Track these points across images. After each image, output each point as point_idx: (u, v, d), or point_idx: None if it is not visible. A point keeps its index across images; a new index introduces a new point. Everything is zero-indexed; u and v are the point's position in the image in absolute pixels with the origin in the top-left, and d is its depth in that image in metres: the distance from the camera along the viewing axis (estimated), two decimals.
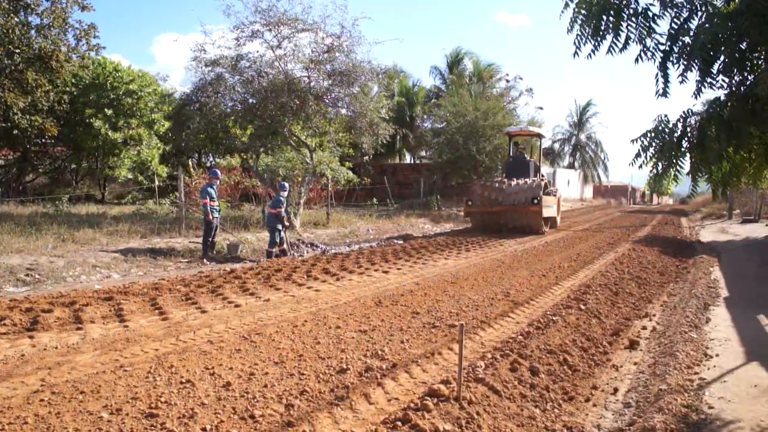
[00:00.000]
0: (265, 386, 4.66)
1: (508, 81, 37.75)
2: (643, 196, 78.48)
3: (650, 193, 78.68)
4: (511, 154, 22.13)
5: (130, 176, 25.56)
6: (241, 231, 15.97)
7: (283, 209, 12.73)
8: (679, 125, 4.24)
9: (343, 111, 18.18)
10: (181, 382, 4.71)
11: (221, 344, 5.77)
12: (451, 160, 27.20)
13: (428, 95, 40.57)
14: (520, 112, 34.09)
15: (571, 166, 55.88)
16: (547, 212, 18.88)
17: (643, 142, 4.29)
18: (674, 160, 4.29)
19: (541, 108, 47.64)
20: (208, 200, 12.59)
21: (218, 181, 13.62)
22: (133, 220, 16.26)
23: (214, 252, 12.86)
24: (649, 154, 4.42)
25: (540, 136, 23.31)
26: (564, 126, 60.18)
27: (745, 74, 3.76)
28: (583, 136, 58.99)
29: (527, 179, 19.12)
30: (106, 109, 23.35)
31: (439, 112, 29.86)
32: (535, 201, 17.91)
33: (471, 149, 26.09)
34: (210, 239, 12.64)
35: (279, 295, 8.29)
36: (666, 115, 4.41)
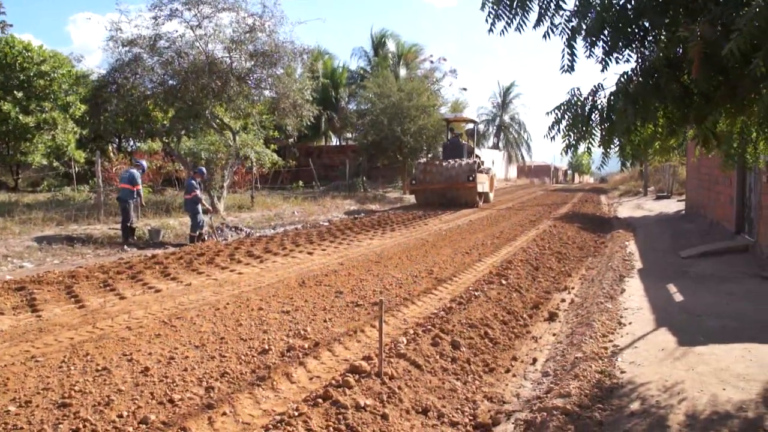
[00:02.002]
0: (185, 370, 4.53)
1: (432, 62, 37.99)
2: (565, 175, 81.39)
3: (571, 172, 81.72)
4: (448, 138, 24.37)
5: (45, 162, 23.96)
6: (163, 216, 15.41)
7: (197, 192, 12.44)
8: (590, 99, 4.38)
9: (267, 92, 17.84)
10: (97, 370, 4.51)
11: (140, 330, 5.55)
12: (376, 142, 27.23)
13: (353, 77, 40.26)
14: (443, 93, 34.49)
15: (495, 146, 56.82)
16: (481, 188, 21.33)
17: (556, 114, 4.41)
18: (585, 133, 4.43)
19: (464, 89, 48.31)
20: (140, 186, 12.40)
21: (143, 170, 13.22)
22: (49, 207, 15.35)
23: (135, 238, 12.36)
24: (562, 126, 4.54)
25: (474, 122, 26.37)
26: (488, 107, 61.17)
27: (647, 50, 3.91)
28: (506, 117, 60.08)
29: (463, 160, 21.21)
30: (15, 92, 21.74)
31: (363, 93, 29.71)
32: (471, 179, 20.27)
33: (396, 130, 26.18)
34: (129, 224, 12.14)
35: (201, 279, 8.10)
36: (578, 89, 4.54)
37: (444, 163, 21.17)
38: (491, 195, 24.63)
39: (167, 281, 7.93)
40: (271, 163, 20.17)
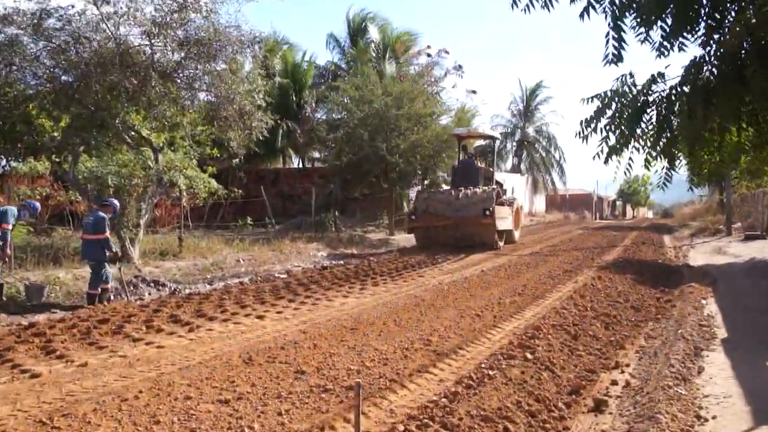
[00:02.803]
0: None
1: (429, 56, 38.49)
2: (613, 207, 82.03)
3: (622, 203, 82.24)
4: (459, 159, 24.95)
5: None
6: (49, 267, 15.15)
7: (108, 233, 12.32)
8: (645, 91, 4.32)
9: (202, 95, 17.95)
10: None
11: None
12: (353, 164, 27.30)
13: (323, 75, 40.69)
14: (446, 97, 34.76)
15: (515, 169, 57.06)
16: (502, 224, 21.78)
17: (598, 105, 4.36)
18: (632, 134, 4.38)
19: (473, 92, 48.40)
20: (7, 225, 12.13)
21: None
22: None
23: (4, 298, 12.11)
24: (601, 123, 4.48)
25: (494, 138, 26.89)
26: (505, 116, 61.46)
27: (724, 33, 3.91)
28: (531, 129, 60.45)
29: (478, 188, 21.84)
30: None
31: (336, 97, 29.88)
32: (488, 212, 20.67)
33: (380, 148, 26.24)
34: None
35: (103, 356, 7.92)
36: (631, 74, 4.50)
37: (453, 192, 21.75)
38: (516, 233, 25.20)
39: (51, 361, 7.72)
40: (207, 193, 20.05)
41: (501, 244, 22.24)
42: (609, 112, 4.32)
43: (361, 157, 26.89)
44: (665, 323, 10.14)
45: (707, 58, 3.89)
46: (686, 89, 3.94)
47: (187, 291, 13.67)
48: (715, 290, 13.22)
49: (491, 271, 16.13)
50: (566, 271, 16.19)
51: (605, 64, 4.02)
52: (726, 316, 10.46)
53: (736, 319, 10.19)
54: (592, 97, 4.48)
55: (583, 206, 69.55)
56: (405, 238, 27.08)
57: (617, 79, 4.45)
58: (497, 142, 28.36)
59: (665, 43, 3.93)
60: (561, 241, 27.29)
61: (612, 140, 4.33)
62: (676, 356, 7.75)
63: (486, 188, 21.83)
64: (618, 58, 4.14)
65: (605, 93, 4.35)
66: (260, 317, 10.31)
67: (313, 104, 39.58)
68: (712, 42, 3.95)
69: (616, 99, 4.28)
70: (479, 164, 23.99)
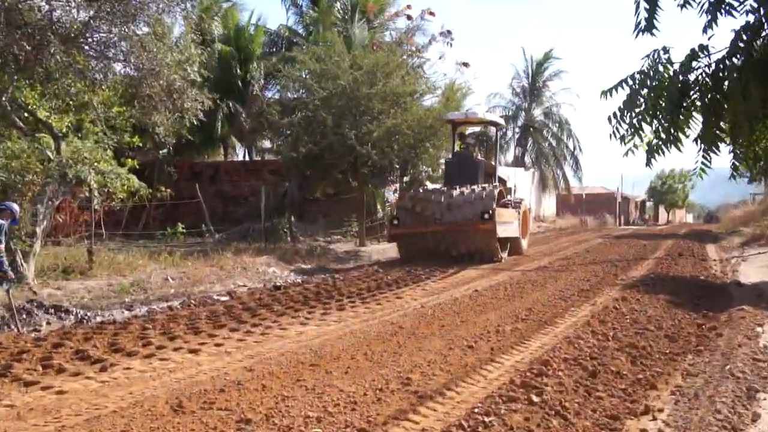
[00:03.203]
0: None
1: (410, 18, 38.36)
2: (641, 210, 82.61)
3: (653, 204, 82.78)
4: (453, 151, 25.88)
5: None
6: None
7: (2, 245, 12.21)
8: (683, 70, 4.31)
9: (119, 67, 17.94)
10: None
11: None
12: (314, 156, 27.06)
13: (275, 42, 40.84)
14: (430, 71, 34.57)
15: (518, 162, 57.27)
16: (504, 231, 22.42)
17: (628, 94, 4.40)
18: (675, 128, 4.43)
19: (465, 64, 48.27)
20: None
21: None
22: None
23: None
24: (633, 115, 4.51)
25: (497, 125, 27.38)
26: (505, 96, 61.87)
27: None
28: (538, 112, 60.90)
29: (476, 186, 22.53)
30: None
31: (292, 71, 29.82)
32: (487, 216, 21.16)
33: (347, 135, 26.03)
34: None
35: None
36: (666, 49, 4.51)
37: (446, 191, 22.56)
38: (524, 242, 26.03)
39: None
40: (127, 193, 19.91)
41: (504, 255, 22.77)
42: (639, 103, 4.26)
43: (324, 147, 26.62)
44: (709, 357, 10.08)
45: (764, 22, 3.84)
46: (737, 62, 3.87)
47: (99, 319, 13.55)
48: None
49: (487, 291, 16.20)
50: (582, 290, 16.24)
51: (636, 35, 4.00)
52: None
53: None
54: (615, 87, 4.39)
55: (603, 209, 70.10)
56: (379, 250, 27.27)
57: (647, 56, 4.40)
58: (501, 130, 28.51)
59: (715, 6, 3.90)
60: (576, 252, 27.49)
61: (648, 134, 4.27)
62: (724, 399, 7.71)
63: (486, 186, 22.31)
64: (651, 27, 4.10)
65: (634, 76, 4.29)
66: (194, 351, 10.20)
67: (263, 80, 39.41)
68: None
69: (649, 82, 4.22)
70: (479, 158, 24.67)
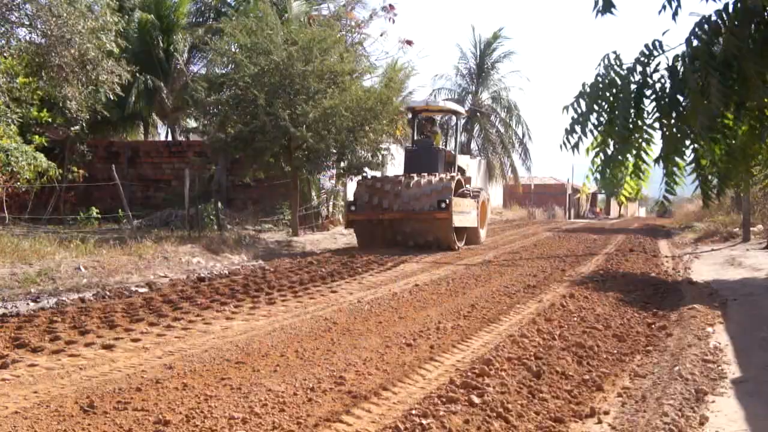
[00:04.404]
0: None
1: None
2: (593, 202, 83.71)
3: (605, 197, 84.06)
4: (413, 139, 27.63)
5: None
6: None
7: None
8: (638, 69, 4.24)
9: (23, 33, 17.58)
10: None
11: None
12: (243, 137, 26.59)
13: (201, 11, 40.31)
14: (372, 48, 34.66)
15: (464, 148, 57.19)
16: (461, 221, 23.51)
17: (577, 107, 4.27)
18: (634, 134, 4.31)
19: (409, 42, 48.64)
20: None
21: None
22: None
23: None
24: (589, 127, 4.45)
25: (457, 113, 29.20)
26: (451, 77, 61.95)
27: None
28: (485, 96, 61.22)
29: (434, 176, 23.77)
30: None
31: (221, 44, 29.26)
32: (443, 206, 22.29)
33: (281, 116, 25.50)
34: None
35: None
36: (615, 54, 4.35)
37: (404, 180, 23.72)
38: (482, 232, 27.67)
39: None
40: (33, 173, 19.36)
41: (461, 244, 23.97)
42: (595, 113, 4.02)
43: (255, 128, 26.04)
44: (658, 357, 10.06)
45: (724, 15, 3.58)
46: (691, 61, 3.63)
47: (0, 311, 13.02)
48: (725, 315, 13.27)
49: (428, 286, 16.13)
50: (528, 286, 16.22)
51: (596, 14, 3.81)
52: (739, 350, 10.44)
53: (752, 354, 10.19)
54: (576, 101, 4.16)
55: (553, 200, 71.11)
56: (313, 240, 27.73)
57: (601, 61, 4.17)
58: (462, 119, 29.77)
59: None
60: (522, 246, 27.81)
61: (609, 149, 4.03)
62: (672, 401, 7.70)
63: (444, 176, 23.43)
64: (610, 6, 3.80)
65: (587, 88, 4.02)
66: (108, 347, 9.73)
67: (188, 53, 39.44)
68: None
69: (603, 91, 3.96)
70: (439, 147, 25.98)
